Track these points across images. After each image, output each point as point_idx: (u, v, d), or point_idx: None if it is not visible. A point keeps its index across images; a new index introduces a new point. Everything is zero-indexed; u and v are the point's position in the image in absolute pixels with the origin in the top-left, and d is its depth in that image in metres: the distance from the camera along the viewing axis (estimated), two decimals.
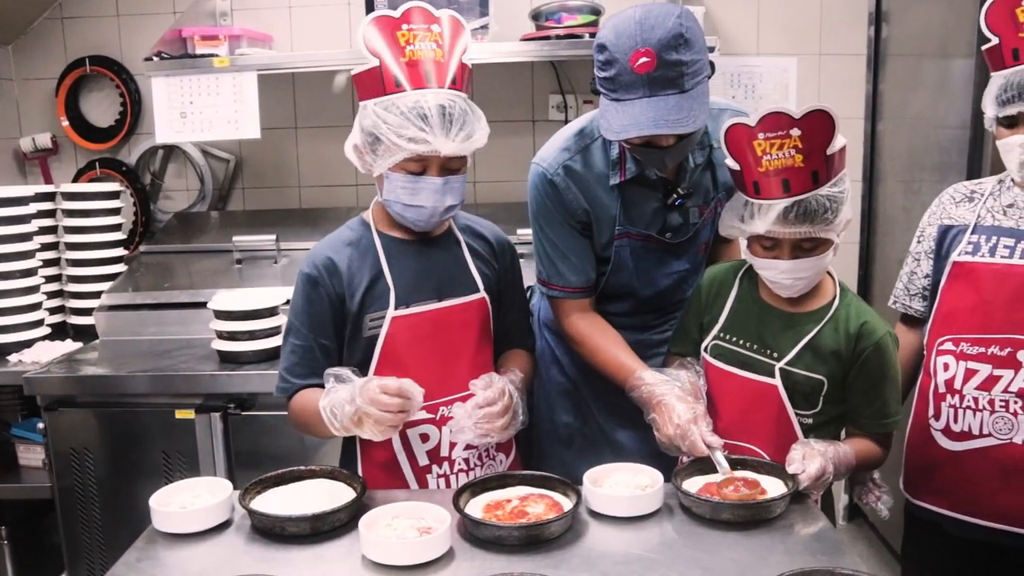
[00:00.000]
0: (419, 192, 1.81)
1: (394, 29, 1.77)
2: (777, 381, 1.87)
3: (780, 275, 1.84)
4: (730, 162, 1.82)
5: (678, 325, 2.14)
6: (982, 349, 1.97)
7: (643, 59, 1.75)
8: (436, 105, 1.74)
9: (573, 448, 2.28)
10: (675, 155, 1.93)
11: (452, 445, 1.92)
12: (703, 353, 2.00)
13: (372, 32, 1.77)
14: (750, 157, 1.77)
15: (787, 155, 1.73)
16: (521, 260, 2.15)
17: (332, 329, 1.90)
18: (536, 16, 3.28)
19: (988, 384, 1.97)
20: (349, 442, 1.98)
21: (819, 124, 1.72)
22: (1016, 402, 1.94)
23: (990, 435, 1.98)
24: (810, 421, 1.89)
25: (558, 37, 3.17)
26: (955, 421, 2.02)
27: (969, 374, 1.99)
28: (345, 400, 1.72)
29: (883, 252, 3.62)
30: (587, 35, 3.17)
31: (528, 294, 2.26)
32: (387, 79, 1.76)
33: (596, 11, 3.24)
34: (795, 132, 1.72)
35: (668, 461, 1.89)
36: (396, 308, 1.88)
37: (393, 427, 1.73)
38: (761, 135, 1.74)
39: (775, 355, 1.89)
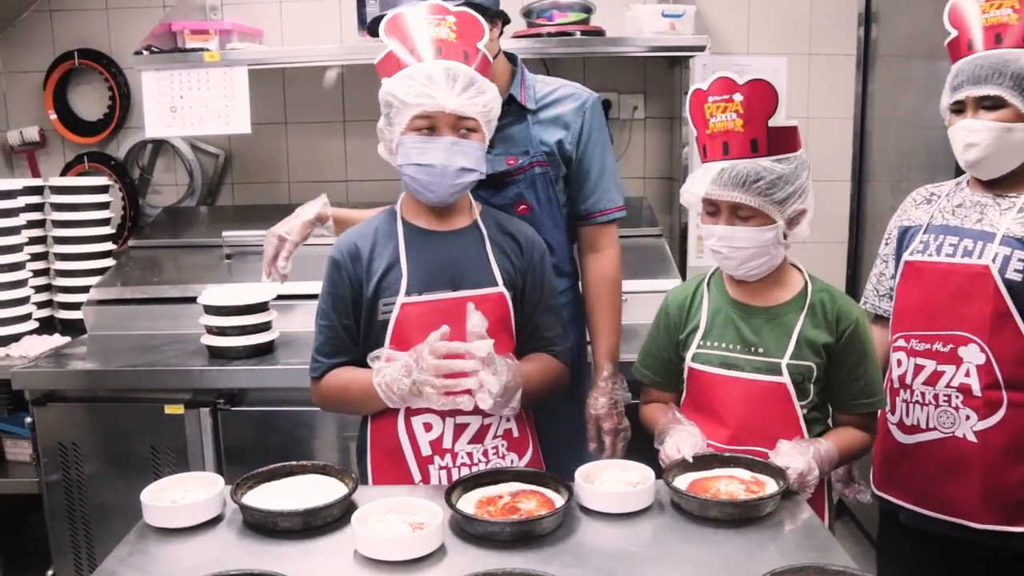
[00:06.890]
0: (428, 151, 1.84)
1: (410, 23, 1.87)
2: (785, 378, 1.87)
3: (717, 242, 1.86)
4: (692, 127, 1.91)
5: (645, 347, 2.11)
6: (928, 345, 2.04)
7: None
8: (443, 68, 1.82)
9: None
10: None
11: (455, 438, 1.91)
12: (690, 363, 1.98)
13: (390, 26, 1.87)
14: (700, 121, 1.86)
15: (729, 119, 1.81)
16: None
17: (353, 311, 1.95)
18: (528, 13, 3.28)
19: (933, 379, 2.04)
20: (363, 429, 2.01)
21: (760, 92, 1.79)
22: (957, 397, 2.00)
23: (935, 429, 2.05)
24: (805, 412, 1.90)
25: (549, 35, 3.17)
26: (907, 415, 2.10)
27: (918, 369, 2.06)
28: (402, 374, 1.78)
29: (871, 251, 3.61)
30: (578, 33, 3.17)
31: None
32: (402, 57, 1.84)
33: (587, 8, 3.24)
34: (737, 96, 1.80)
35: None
36: (408, 295, 1.90)
37: (452, 393, 1.77)
38: (711, 98, 1.83)
39: (760, 351, 1.90)
